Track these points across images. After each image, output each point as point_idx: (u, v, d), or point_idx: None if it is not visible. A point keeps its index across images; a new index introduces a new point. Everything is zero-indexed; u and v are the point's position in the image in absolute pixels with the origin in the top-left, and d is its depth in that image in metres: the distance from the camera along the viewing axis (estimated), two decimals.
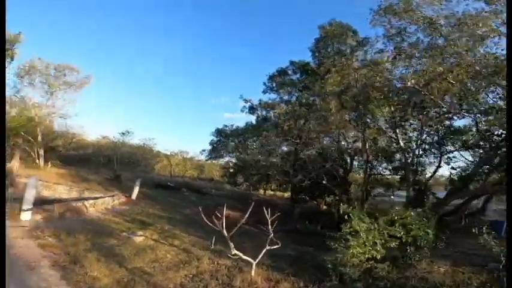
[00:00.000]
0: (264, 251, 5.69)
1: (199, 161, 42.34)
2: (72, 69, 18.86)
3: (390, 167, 17.78)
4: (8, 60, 15.98)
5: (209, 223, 5.41)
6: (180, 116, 71.63)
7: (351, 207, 6.36)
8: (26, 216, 6.36)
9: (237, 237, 9.84)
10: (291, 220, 19.99)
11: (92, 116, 54.26)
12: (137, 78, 72.56)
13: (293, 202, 18.63)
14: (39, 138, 16.90)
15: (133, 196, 12.10)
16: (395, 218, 5.83)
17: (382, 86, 11.58)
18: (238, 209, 19.15)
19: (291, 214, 21.62)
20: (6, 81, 17.55)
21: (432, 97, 9.54)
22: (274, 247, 5.68)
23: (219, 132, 20.07)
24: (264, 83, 17.50)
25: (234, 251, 5.34)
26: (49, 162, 17.05)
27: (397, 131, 13.07)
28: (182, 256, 5.97)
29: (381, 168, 18.25)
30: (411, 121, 13.31)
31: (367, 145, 14.62)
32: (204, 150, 21.29)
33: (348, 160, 16.50)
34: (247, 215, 5.66)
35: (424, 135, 13.23)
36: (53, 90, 17.98)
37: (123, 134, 23.28)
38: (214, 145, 19.99)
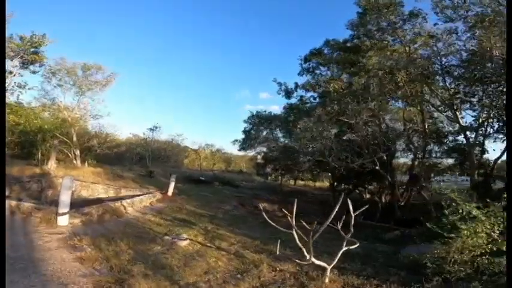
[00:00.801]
0: (340, 253, 4.57)
1: (224, 153, 42.14)
2: (98, 67, 18.69)
3: (442, 150, 15.86)
4: (37, 64, 16.07)
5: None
6: (202, 110, 72.13)
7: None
8: (62, 221, 5.78)
9: (283, 234, 8.88)
10: (331, 211, 18.73)
11: (121, 114, 56.05)
12: (155, 75, 73.65)
13: (335, 191, 17.24)
14: (74, 138, 17.05)
15: (169, 192, 11.54)
16: None
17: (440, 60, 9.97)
18: (273, 201, 18.29)
19: (330, 204, 20.35)
20: (35, 84, 17.93)
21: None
22: (345, 246, 4.55)
23: (253, 117, 18.77)
24: (300, 64, 15.89)
25: (312, 259, 4.28)
26: (85, 162, 17.23)
27: (457, 108, 11.29)
28: (236, 263, 5.03)
29: (433, 152, 16.36)
30: (475, 98, 11.50)
31: (419, 126, 12.80)
32: (236, 140, 20.40)
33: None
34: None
35: (492, 113, 11.29)
36: (83, 90, 17.95)
37: (151, 129, 23.11)
38: (248, 133, 18.91)
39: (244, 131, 19.17)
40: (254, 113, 19.00)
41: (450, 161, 16.29)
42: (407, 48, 11.70)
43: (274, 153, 22.23)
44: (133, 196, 10.72)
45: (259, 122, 18.15)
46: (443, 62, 11.23)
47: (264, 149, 22.15)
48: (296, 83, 16.41)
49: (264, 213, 4.82)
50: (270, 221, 4.60)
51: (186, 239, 5.80)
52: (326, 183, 37.90)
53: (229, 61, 79.99)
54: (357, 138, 12.90)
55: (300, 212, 15.45)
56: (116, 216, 7.24)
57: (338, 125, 13.72)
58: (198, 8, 72.59)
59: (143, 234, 5.82)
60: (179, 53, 76.03)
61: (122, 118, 57.93)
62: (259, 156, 43.07)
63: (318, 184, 36.82)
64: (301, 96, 16.43)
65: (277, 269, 5.03)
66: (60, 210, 5.77)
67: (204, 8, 73.51)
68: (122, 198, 10.88)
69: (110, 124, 24.09)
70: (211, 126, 68.70)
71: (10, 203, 6.34)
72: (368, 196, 18.19)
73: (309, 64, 15.44)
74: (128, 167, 22.77)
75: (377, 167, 12.63)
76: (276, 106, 76.80)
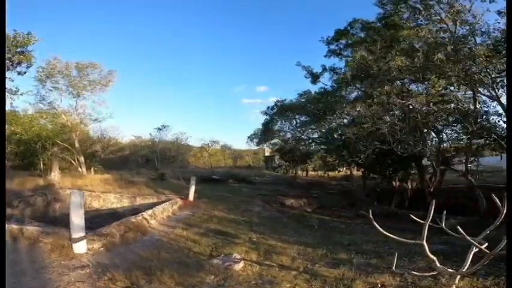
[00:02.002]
0: (470, 254, 3.28)
1: (233, 149, 41.16)
2: (94, 66, 17.22)
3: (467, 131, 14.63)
4: (24, 65, 14.54)
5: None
6: (199, 108, 70.80)
7: None
8: (79, 247, 4.53)
9: (336, 237, 7.68)
10: (358, 201, 17.59)
11: (122, 115, 54.56)
12: (149, 75, 71.82)
13: (366, 180, 16.06)
14: (77, 144, 15.75)
15: (191, 197, 10.29)
16: None
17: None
18: (298, 196, 17.11)
19: (354, 195, 19.19)
20: (30, 88, 16.49)
21: None
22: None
23: (274, 108, 17.22)
24: (327, 45, 14.38)
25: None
26: (91, 169, 15.98)
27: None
28: (319, 285, 3.81)
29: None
30: None
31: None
32: (254, 134, 19.08)
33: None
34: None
35: None
36: (80, 91, 16.52)
37: (159, 129, 21.78)
38: (267, 125, 17.51)
39: (264, 123, 17.75)
40: (274, 103, 17.43)
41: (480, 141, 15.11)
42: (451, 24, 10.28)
43: (288, 144, 21.04)
44: (152, 205, 9.48)
45: (280, 111, 16.66)
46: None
47: (278, 141, 20.82)
48: (323, 66, 14.98)
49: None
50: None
51: (239, 260, 4.56)
52: (339, 173, 36.81)
53: (224, 56, 78.16)
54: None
55: (332, 206, 14.03)
56: (140, 233, 5.99)
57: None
58: (189, 4, 70.27)
59: (184, 259, 4.56)
60: (171, 52, 74.08)
61: (119, 120, 56.42)
62: (266, 149, 42.07)
63: (331, 174, 35.77)
64: (336, 80, 14.78)
65: (379, 285, 3.82)
66: (75, 235, 4.51)
67: (194, 4, 71.17)
68: (139, 209, 9.68)
69: (112, 127, 22.73)
70: (209, 123, 67.52)
71: (11, 228, 5.08)
72: (397, 183, 17.05)
73: (337, 45, 13.93)
74: (135, 170, 21.55)
75: (427, 151, 11.29)
76: (274, 98, 75.35)
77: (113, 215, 9.16)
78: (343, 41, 13.87)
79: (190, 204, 9.92)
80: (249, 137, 21.04)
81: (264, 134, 18.78)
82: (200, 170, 26.78)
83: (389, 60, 10.06)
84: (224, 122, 71.33)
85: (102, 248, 4.83)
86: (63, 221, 9.47)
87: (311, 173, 36.37)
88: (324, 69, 14.67)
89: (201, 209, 9.35)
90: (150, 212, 7.43)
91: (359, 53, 11.34)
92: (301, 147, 21.41)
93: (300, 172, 34.05)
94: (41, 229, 4.95)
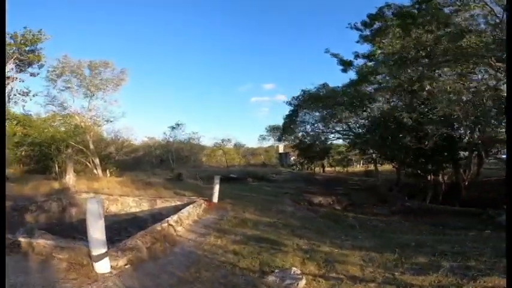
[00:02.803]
0: None
1: (243, 146, 40.66)
2: (106, 64, 16.57)
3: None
4: (36, 65, 13.98)
5: None
6: (207, 107, 70.50)
7: None
8: (101, 266, 3.66)
9: (372, 231, 6.64)
10: (389, 197, 16.35)
11: (134, 115, 54.57)
12: (155, 77, 71.80)
13: (399, 174, 14.74)
14: (91, 146, 15.16)
15: (215, 198, 9.38)
16: None
17: None
18: (324, 193, 16.04)
19: (379, 191, 17.99)
20: (39, 89, 16.00)
21: None
22: None
23: (300, 98, 15.85)
24: (360, 30, 13.15)
25: None
26: (107, 171, 15.39)
27: None
28: None
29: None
30: None
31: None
32: (274, 129, 18.06)
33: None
34: None
35: None
36: (93, 91, 15.91)
37: (173, 127, 21.05)
38: (290, 118, 16.36)
39: (288, 114, 16.54)
40: (301, 91, 15.84)
41: None
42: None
43: (308, 138, 19.93)
44: (174, 209, 8.63)
45: (308, 101, 15.33)
46: None
47: (298, 135, 19.66)
48: (356, 53, 13.76)
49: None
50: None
51: (300, 275, 3.58)
52: (356, 169, 35.46)
53: (230, 55, 77.40)
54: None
55: (363, 203, 12.84)
56: (169, 243, 5.11)
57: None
58: (190, 3, 69.62)
59: (231, 278, 3.61)
60: (174, 52, 73.84)
61: (128, 120, 56.41)
62: (280, 146, 41.00)
63: (349, 169, 34.50)
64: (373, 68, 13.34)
65: None
66: (95, 251, 3.63)
67: (196, 3, 70.46)
68: (160, 213, 8.87)
69: (126, 127, 22.18)
70: (218, 122, 66.91)
71: (18, 241, 4.28)
72: (432, 177, 15.69)
73: (371, 30, 12.65)
74: (150, 171, 21.00)
75: (475, 139, 10.01)
76: (282, 95, 74.33)
77: (134, 221, 8.38)
78: (378, 24, 12.55)
79: (215, 207, 9.02)
80: (266, 130, 19.96)
81: (287, 127, 17.59)
82: (214, 169, 26.04)
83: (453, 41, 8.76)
84: (233, 121, 70.71)
85: (127, 266, 3.94)
86: (81, 229, 8.80)
87: (327, 169, 35.20)
88: (357, 55, 13.44)
89: (228, 212, 8.43)
90: (175, 217, 6.55)
91: (397, 40, 10.03)
92: (320, 142, 20.27)
93: (317, 169, 32.89)
94: (55, 243, 4.11)
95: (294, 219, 7.91)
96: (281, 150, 40.01)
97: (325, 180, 23.71)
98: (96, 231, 3.60)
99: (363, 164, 35.84)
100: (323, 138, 19.13)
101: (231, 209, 8.89)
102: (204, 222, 7.28)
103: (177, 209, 8.92)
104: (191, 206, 8.20)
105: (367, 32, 12.84)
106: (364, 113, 14.55)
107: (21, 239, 4.22)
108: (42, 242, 4.12)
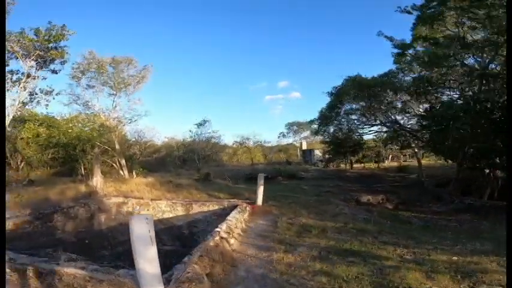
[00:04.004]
0: None
1: (268, 143, 39.65)
2: (129, 61, 15.79)
3: None
4: (58, 62, 13.35)
5: None
6: (223, 106, 69.85)
7: None
8: None
9: (455, 234, 5.18)
10: (443, 194, 14.57)
11: (153, 115, 54.71)
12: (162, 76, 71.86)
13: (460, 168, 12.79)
14: (117, 146, 14.44)
15: (259, 201, 8.15)
16: None
17: None
18: (369, 191, 14.46)
19: (426, 187, 16.14)
20: (63, 87, 15.42)
21: None
22: None
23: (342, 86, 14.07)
24: (419, 11, 11.41)
25: None
26: (133, 172, 14.65)
27: None
28: None
29: None
30: None
31: None
32: (299, 124, 16.55)
33: None
34: None
35: None
36: (118, 88, 15.17)
37: (200, 124, 20.11)
38: (332, 109, 14.80)
39: (329, 105, 14.94)
40: (344, 78, 14.17)
41: None
42: None
43: (339, 134, 18.32)
44: (215, 215, 7.53)
45: (356, 88, 13.55)
46: None
47: (334, 128, 17.97)
48: (413, 35, 12.03)
49: None
50: None
51: None
52: (386, 164, 33.29)
53: (244, 54, 76.25)
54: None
55: (416, 201, 11.10)
56: (228, 264, 3.90)
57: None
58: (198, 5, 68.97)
59: None
60: (186, 52, 73.63)
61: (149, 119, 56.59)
62: (304, 143, 39.30)
63: (379, 165, 32.38)
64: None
65: None
66: None
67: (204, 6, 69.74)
68: (199, 220, 7.79)
69: (148, 127, 21.54)
70: (234, 122, 66.07)
71: (36, 269, 3.20)
72: (491, 171, 13.63)
73: (433, 9, 10.80)
74: (174, 171, 20.25)
75: None
76: (296, 93, 72.26)
77: (171, 230, 7.34)
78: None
79: (259, 211, 7.77)
80: (286, 127, 18.51)
81: (326, 120, 16.00)
82: (237, 168, 25.02)
83: None
84: (247, 120, 69.56)
85: None
86: (113, 238, 7.87)
87: (355, 165, 33.28)
88: (415, 38, 11.65)
89: (277, 216, 7.15)
90: (224, 227, 5.36)
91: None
92: (356, 136, 18.57)
93: (342, 165, 31.08)
94: (89, 273, 2.98)
95: (359, 222, 6.51)
96: (304, 146, 38.37)
97: (359, 177, 22.02)
98: (147, 262, 2.43)
99: (391, 159, 33.69)
100: (360, 132, 17.43)
101: (278, 212, 7.61)
102: (255, 230, 6.04)
103: (217, 215, 7.81)
104: (234, 211, 7.02)
105: (430, 11, 10.95)
106: (425, 104, 12.64)
107: (44, 266, 3.14)
108: (72, 272, 3.01)
